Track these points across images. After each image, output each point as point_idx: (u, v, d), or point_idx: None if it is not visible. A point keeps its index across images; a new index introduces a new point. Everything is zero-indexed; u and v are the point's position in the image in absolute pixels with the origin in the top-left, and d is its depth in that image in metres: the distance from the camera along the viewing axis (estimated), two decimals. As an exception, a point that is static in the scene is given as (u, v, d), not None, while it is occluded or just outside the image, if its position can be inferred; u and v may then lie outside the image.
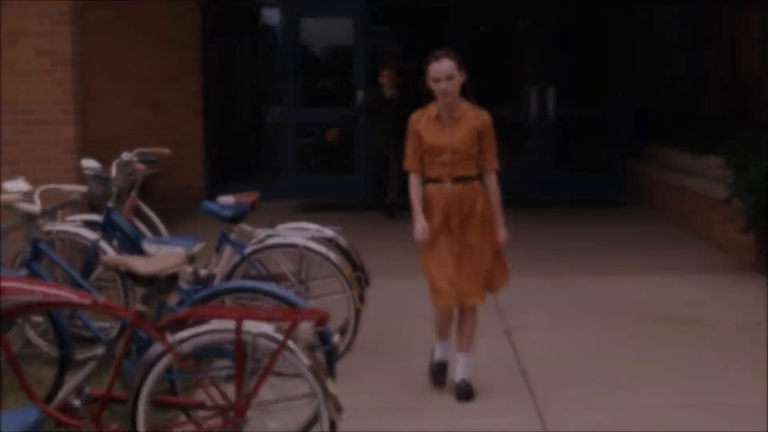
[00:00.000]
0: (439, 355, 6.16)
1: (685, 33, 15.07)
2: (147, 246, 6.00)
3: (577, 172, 15.07)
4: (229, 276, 6.32)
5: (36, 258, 5.80)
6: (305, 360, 4.42)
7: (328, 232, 6.70)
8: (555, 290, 8.89)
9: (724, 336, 7.36)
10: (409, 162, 5.94)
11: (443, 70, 5.70)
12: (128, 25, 14.46)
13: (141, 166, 7.21)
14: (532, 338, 7.39)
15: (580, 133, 15.30)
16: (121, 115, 14.64)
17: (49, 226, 6.35)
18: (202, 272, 6.68)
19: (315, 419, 4.88)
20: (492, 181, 5.90)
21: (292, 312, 4.55)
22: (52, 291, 4.51)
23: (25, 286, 4.50)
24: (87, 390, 4.48)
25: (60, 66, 9.25)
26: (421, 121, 5.90)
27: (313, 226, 6.82)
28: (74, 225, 6.54)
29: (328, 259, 6.38)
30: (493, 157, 5.89)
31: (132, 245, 6.60)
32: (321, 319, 4.40)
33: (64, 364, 5.39)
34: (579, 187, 14.63)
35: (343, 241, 6.75)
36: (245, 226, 6.77)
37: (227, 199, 6.77)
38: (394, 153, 11.95)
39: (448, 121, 5.83)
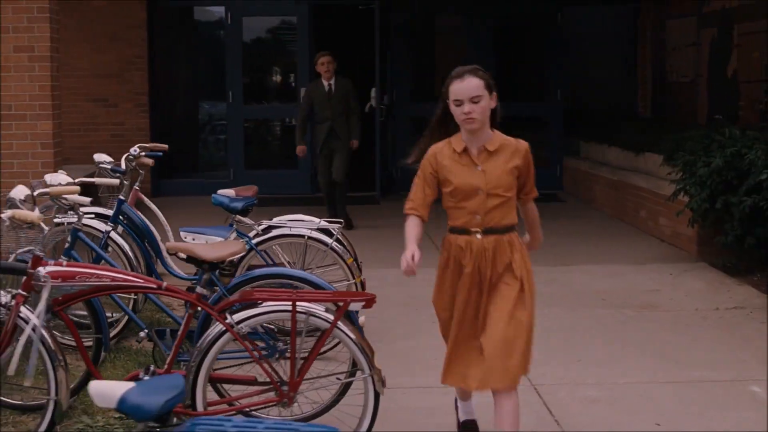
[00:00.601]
0: (463, 415, 5.31)
1: (620, 34, 15.74)
2: (183, 235, 6.31)
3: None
4: (237, 266, 6.65)
5: (73, 246, 6.07)
6: (354, 337, 4.83)
7: (329, 224, 7.05)
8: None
9: (687, 320, 7.94)
10: (414, 205, 4.67)
11: (467, 91, 4.50)
12: (74, 21, 14.56)
13: (149, 161, 7.49)
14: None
15: (519, 131, 15.83)
16: (68, 111, 14.72)
17: (60, 218, 6.58)
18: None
19: (340, 396, 5.30)
20: (533, 206, 4.96)
21: (342, 294, 4.94)
22: (120, 276, 4.83)
23: (95, 270, 4.81)
24: (152, 367, 4.80)
25: (38, 62, 9.43)
26: (444, 155, 4.67)
27: (310, 218, 7.17)
28: (86, 217, 6.80)
29: (332, 249, 6.76)
30: (534, 186, 4.85)
31: (142, 236, 6.90)
32: (369, 301, 4.80)
33: (100, 348, 5.69)
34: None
35: (340, 232, 7.11)
36: (246, 219, 7.11)
37: (227, 192, 7.11)
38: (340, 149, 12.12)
39: (480, 156, 4.64)
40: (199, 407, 4.84)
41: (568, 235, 11.66)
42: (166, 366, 4.88)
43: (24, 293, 4.80)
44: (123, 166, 7.13)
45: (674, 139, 10.97)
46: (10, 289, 4.81)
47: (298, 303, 4.75)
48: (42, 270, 4.75)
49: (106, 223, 6.84)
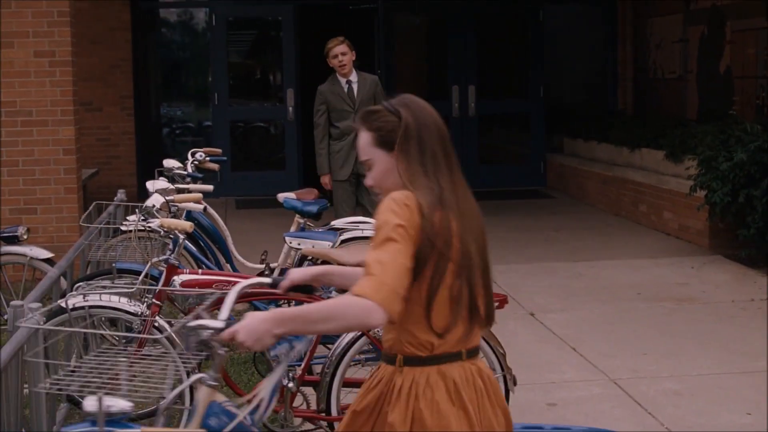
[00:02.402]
0: None
1: (600, 32, 15.97)
2: (289, 240, 6.30)
3: (501, 165, 15.84)
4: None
5: (175, 253, 6.03)
6: (486, 336, 4.89)
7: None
8: (549, 276, 9.50)
9: (728, 311, 8.14)
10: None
11: (359, 152, 3.09)
12: (57, 24, 14.34)
13: (214, 166, 7.46)
14: (558, 318, 8.00)
15: (503, 128, 16.10)
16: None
17: (127, 225, 6.53)
18: (273, 265, 7.04)
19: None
20: None
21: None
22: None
23: (231, 278, 4.80)
24: (292, 373, 4.81)
25: (59, 67, 9.32)
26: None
27: (370, 220, 7.20)
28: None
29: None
30: None
31: (213, 241, 6.88)
32: (502, 301, 4.86)
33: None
34: (504, 180, 15.32)
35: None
36: (309, 222, 7.12)
37: (289, 196, 7.12)
38: None
39: None
40: (334, 412, 4.87)
41: (573, 230, 11.83)
42: (301, 372, 4.89)
43: (158, 303, 4.78)
44: (189, 170, 7.10)
45: (679, 135, 11.22)
46: (147, 297, 4.78)
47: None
48: (177, 279, 4.74)
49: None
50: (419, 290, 2.81)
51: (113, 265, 5.40)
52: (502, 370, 4.88)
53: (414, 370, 2.87)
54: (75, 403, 5.30)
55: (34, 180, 9.30)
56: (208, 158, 7.41)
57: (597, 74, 16.11)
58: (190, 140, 15.93)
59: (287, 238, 6.30)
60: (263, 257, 7.33)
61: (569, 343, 7.33)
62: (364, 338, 4.82)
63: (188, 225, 4.70)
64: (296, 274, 3.26)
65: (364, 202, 8.58)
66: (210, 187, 6.82)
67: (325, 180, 8.68)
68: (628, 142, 12.76)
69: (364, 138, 2.98)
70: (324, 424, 4.92)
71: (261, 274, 7.20)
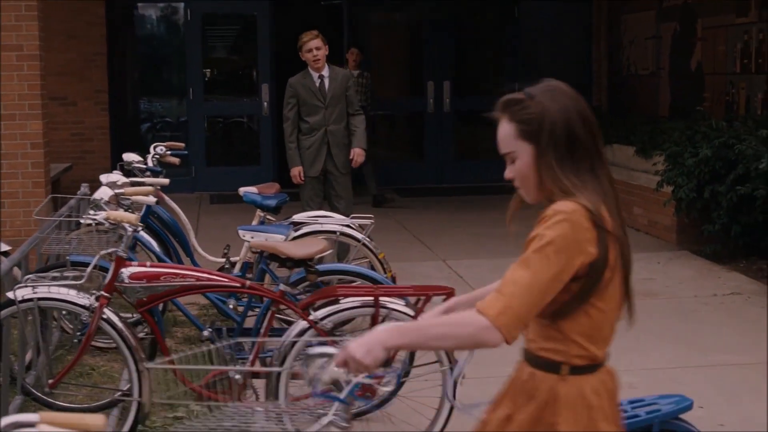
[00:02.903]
0: None
1: (576, 28, 16.02)
2: (242, 233, 6.31)
3: (478, 161, 15.87)
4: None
5: (133, 248, 6.06)
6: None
7: (351, 221, 7.10)
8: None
9: (690, 306, 8.20)
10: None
11: (498, 143, 2.82)
12: (32, 18, 14.31)
13: (174, 159, 7.48)
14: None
15: (479, 124, 16.12)
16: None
17: (89, 218, 6.54)
18: (233, 259, 7.07)
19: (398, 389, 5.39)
20: None
21: (423, 288, 5.03)
22: (204, 275, 4.85)
23: (180, 271, 4.83)
24: (239, 366, 4.84)
25: (27, 61, 9.32)
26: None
27: (333, 215, 7.23)
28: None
29: (365, 245, 6.83)
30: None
31: (172, 235, 6.90)
32: (449, 294, 4.90)
33: (155, 349, 5.69)
34: (480, 176, 15.36)
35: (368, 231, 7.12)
36: (269, 216, 7.15)
37: (250, 190, 7.15)
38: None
39: None
40: (283, 403, 4.89)
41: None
42: (249, 364, 4.91)
43: (107, 295, 4.80)
44: (150, 164, 7.12)
45: (649, 131, 11.28)
46: (94, 291, 4.80)
47: (381, 298, 4.83)
48: (125, 271, 4.76)
49: (135, 223, 6.81)
50: (592, 304, 2.65)
51: (67, 257, 5.42)
52: (450, 362, 4.90)
53: (580, 379, 2.69)
54: (27, 393, 5.32)
55: (1, 174, 9.29)
56: (169, 152, 7.42)
57: (572, 71, 16.14)
58: (166, 135, 15.92)
59: (240, 232, 6.33)
60: (225, 251, 7.36)
61: (529, 337, 7.37)
62: (312, 330, 4.84)
63: (133, 217, 4.72)
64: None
65: (332, 199, 8.59)
66: (165, 181, 6.84)
67: (295, 173, 8.56)
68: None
69: (506, 129, 2.76)
70: (273, 416, 4.93)
71: (222, 268, 7.24)
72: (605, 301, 2.66)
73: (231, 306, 6.23)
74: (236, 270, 7.12)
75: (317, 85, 8.58)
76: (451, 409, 4.96)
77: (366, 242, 6.83)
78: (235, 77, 16.35)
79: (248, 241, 6.22)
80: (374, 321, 4.85)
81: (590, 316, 2.66)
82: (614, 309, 2.72)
